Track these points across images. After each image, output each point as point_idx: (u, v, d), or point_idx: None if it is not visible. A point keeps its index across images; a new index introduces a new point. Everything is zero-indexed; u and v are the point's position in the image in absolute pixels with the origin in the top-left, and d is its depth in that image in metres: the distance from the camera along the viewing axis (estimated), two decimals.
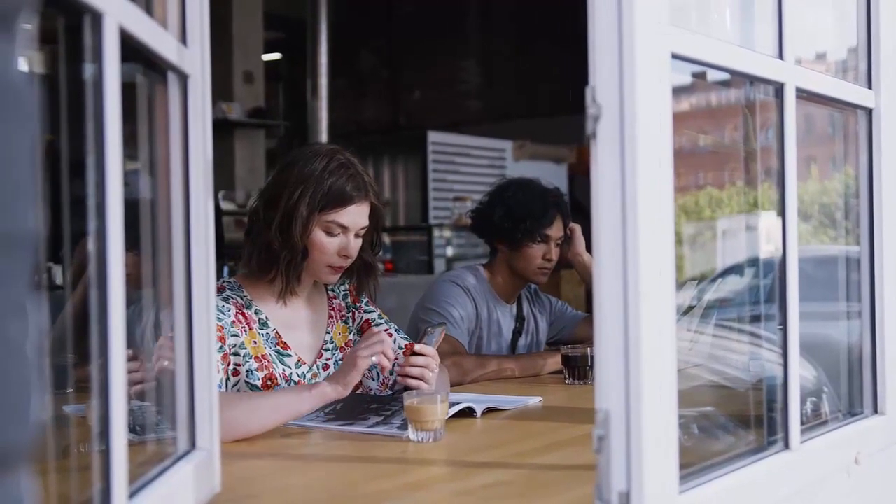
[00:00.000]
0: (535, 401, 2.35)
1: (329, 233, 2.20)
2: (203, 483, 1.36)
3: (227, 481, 1.45)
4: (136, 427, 1.35)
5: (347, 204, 2.19)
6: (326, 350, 2.33)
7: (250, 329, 2.19)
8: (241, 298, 2.22)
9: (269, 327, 2.23)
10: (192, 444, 1.37)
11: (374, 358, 1.99)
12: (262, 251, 2.21)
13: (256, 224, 2.22)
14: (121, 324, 1.01)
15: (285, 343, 2.24)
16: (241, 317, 2.18)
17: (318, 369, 2.29)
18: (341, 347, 2.36)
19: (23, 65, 0.53)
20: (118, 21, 1.02)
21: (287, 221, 2.16)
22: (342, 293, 2.43)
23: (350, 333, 2.40)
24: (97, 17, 0.99)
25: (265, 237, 2.19)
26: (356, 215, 2.21)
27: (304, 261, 2.21)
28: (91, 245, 1.00)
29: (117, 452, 1.00)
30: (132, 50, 1.11)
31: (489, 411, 2.18)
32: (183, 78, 1.34)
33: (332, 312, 2.38)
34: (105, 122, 0.99)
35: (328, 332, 2.35)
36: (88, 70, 1.00)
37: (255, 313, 2.22)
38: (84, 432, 1.45)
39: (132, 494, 1.09)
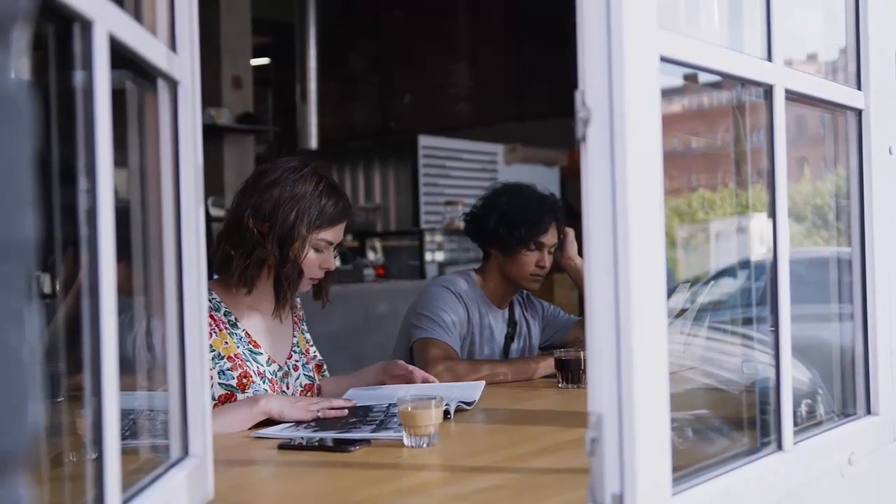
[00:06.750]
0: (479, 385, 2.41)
1: (317, 249, 2.31)
2: (196, 490, 1.35)
3: (220, 488, 1.44)
4: (126, 433, 1.34)
5: (338, 223, 2.32)
6: (295, 352, 2.44)
7: (220, 331, 2.26)
8: (210, 301, 2.27)
9: (239, 328, 2.30)
10: (185, 452, 1.36)
11: (319, 413, 2.13)
12: (254, 266, 2.27)
13: (248, 238, 2.25)
14: (112, 332, 1.00)
15: (255, 342, 2.32)
16: (209, 319, 2.22)
17: (289, 369, 2.39)
18: (304, 352, 2.48)
19: (18, 72, 0.53)
20: (108, 28, 1.02)
21: (285, 241, 2.25)
22: (298, 303, 2.55)
23: (307, 342, 2.52)
24: (87, 25, 0.98)
25: (261, 254, 2.25)
26: (341, 232, 2.36)
27: (300, 277, 2.30)
28: (83, 253, 0.99)
29: (110, 461, 1.00)
30: (121, 57, 1.10)
31: (461, 411, 2.21)
32: (173, 85, 1.34)
33: (296, 320, 2.50)
34: (96, 129, 0.99)
35: (294, 337, 2.46)
36: (78, 77, 1.00)
37: (225, 315, 2.30)
38: (75, 441, 1.44)
39: (125, 502, 1.08)
